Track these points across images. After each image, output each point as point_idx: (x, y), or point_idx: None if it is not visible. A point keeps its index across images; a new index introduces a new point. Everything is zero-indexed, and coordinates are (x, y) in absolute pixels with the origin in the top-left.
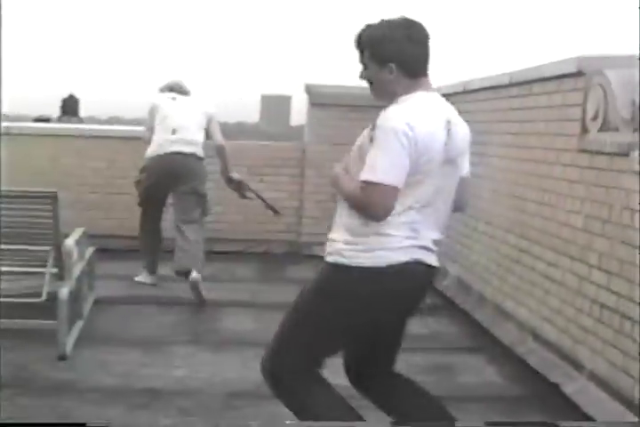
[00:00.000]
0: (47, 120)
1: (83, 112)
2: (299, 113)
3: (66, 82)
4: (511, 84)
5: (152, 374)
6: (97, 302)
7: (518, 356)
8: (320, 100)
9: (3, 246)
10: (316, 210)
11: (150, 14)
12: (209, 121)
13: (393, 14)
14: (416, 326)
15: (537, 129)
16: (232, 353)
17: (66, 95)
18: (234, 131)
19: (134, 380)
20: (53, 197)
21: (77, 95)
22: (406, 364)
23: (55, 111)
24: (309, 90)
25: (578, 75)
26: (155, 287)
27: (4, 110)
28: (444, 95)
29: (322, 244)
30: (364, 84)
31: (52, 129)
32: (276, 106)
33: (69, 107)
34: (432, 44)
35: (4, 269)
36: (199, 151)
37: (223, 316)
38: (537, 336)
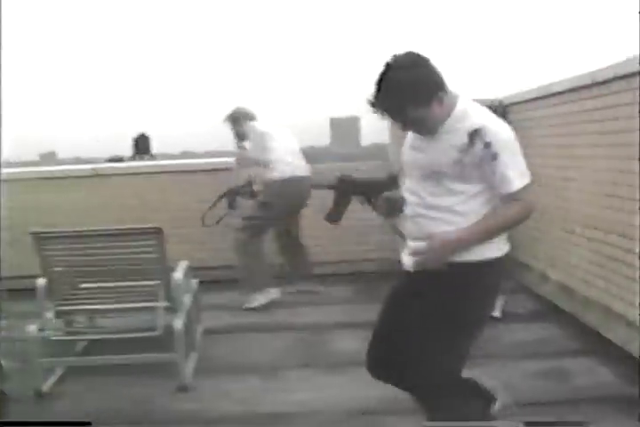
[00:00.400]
0: (120, 160)
1: (154, 149)
2: (369, 133)
3: (133, 120)
4: (593, 84)
5: (273, 398)
6: (205, 332)
7: (631, 355)
8: None
9: (113, 284)
10: None
11: (214, 42)
12: None
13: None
14: (522, 332)
15: (627, 126)
16: (346, 374)
17: (136, 134)
18: (307, 155)
19: (257, 405)
20: (159, 233)
21: (148, 133)
22: (519, 370)
23: (126, 151)
24: None
25: None
26: (257, 314)
27: (79, 154)
28: (523, 102)
29: None
30: None
31: (137, 167)
32: (345, 127)
33: (142, 145)
34: (502, 50)
35: (117, 306)
36: None
37: (330, 338)
38: None
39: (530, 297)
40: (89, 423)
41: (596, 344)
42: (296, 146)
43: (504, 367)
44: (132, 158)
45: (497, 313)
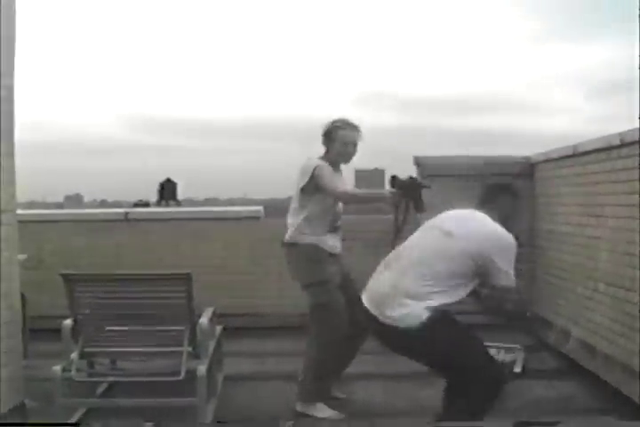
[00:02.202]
0: (147, 204)
1: (179, 195)
2: None
3: (159, 166)
4: (623, 145)
5: None
6: (226, 378)
7: None
8: (430, 171)
9: (139, 327)
10: None
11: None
12: None
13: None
14: (543, 389)
15: None
16: (369, 424)
17: (163, 180)
18: None
19: None
20: (188, 279)
21: (174, 178)
22: None
23: (152, 196)
24: (419, 162)
25: None
26: (279, 362)
27: (104, 197)
28: (553, 159)
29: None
30: (468, 153)
31: (168, 213)
32: (370, 180)
33: (168, 190)
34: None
35: (141, 349)
36: None
37: (354, 389)
38: None
39: (551, 354)
40: (77, 424)
41: (618, 403)
42: None
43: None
44: (158, 203)
45: (518, 369)
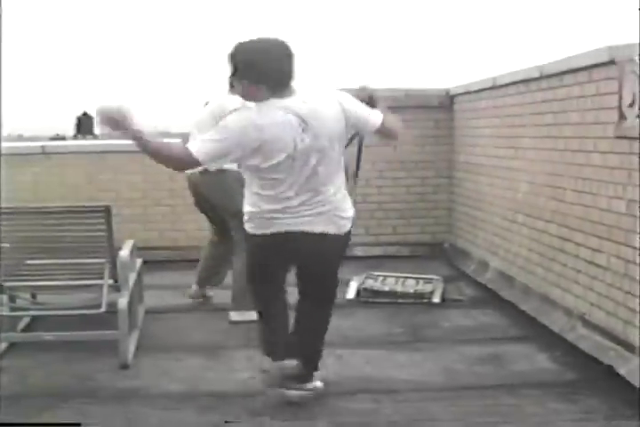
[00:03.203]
0: (63, 139)
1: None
2: None
3: (75, 99)
4: (542, 77)
5: (215, 377)
6: (147, 311)
7: (569, 342)
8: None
9: (59, 261)
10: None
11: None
12: None
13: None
14: (462, 318)
15: (571, 119)
16: None
17: (80, 113)
18: None
19: (199, 384)
20: (107, 211)
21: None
22: (460, 355)
23: (68, 130)
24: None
25: (610, 64)
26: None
27: (20, 131)
28: (472, 92)
29: (360, 244)
30: (389, 85)
31: (86, 146)
32: None
33: (85, 125)
34: (461, 39)
35: (61, 282)
36: None
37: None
38: (586, 322)
39: (469, 284)
40: (78, 424)
41: (535, 331)
42: None
43: (443, 351)
44: (75, 138)
45: (437, 299)
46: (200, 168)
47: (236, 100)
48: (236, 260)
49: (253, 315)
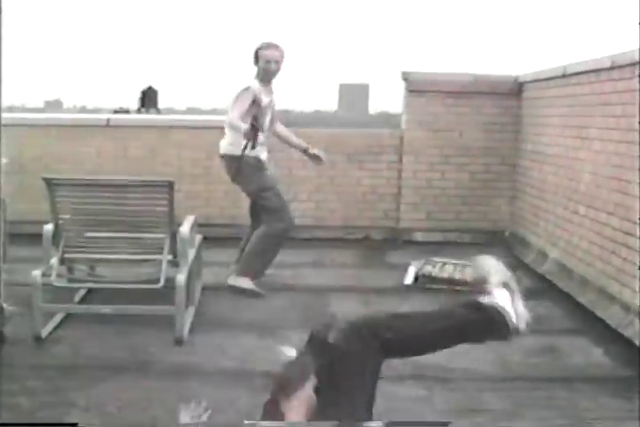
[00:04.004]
0: (127, 112)
1: (160, 104)
2: (377, 101)
3: (141, 75)
4: (613, 67)
5: (267, 357)
6: (205, 288)
7: (625, 337)
8: (417, 86)
9: (119, 234)
10: (414, 196)
11: (226, 3)
12: None
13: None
14: None
15: None
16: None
17: (145, 87)
18: (313, 119)
19: (252, 363)
20: (170, 186)
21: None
22: (516, 346)
23: (132, 104)
24: (406, 77)
25: None
26: None
27: (84, 103)
28: (542, 80)
29: (420, 229)
30: (458, 70)
31: (151, 120)
32: (354, 94)
33: (149, 98)
34: (533, 26)
35: (120, 256)
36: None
37: (331, 300)
38: None
39: (527, 274)
40: (75, 424)
41: (591, 325)
42: None
43: (498, 342)
44: (139, 111)
45: None
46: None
47: None
48: (262, 227)
49: (249, 284)
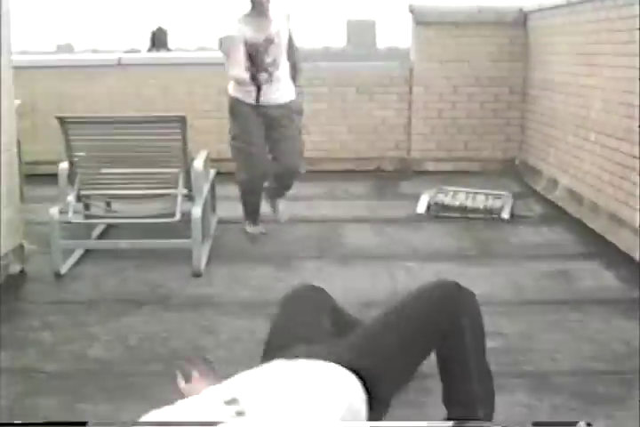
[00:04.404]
0: (138, 52)
1: (170, 44)
2: (384, 37)
3: (150, 16)
4: None
5: (286, 287)
6: (220, 222)
7: (636, 261)
8: (424, 18)
9: (134, 170)
10: (425, 126)
11: None
12: None
13: None
14: (530, 234)
15: None
16: (359, 266)
17: (154, 28)
18: (322, 55)
19: (269, 293)
20: (182, 121)
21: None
22: (527, 270)
23: (143, 45)
24: (413, 9)
25: None
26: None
27: (95, 46)
28: (546, 9)
29: (431, 159)
30: (463, 2)
31: (160, 58)
32: (361, 30)
33: (159, 39)
34: None
35: (136, 191)
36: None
37: (345, 231)
38: None
39: (539, 201)
40: (85, 423)
41: (601, 249)
42: None
43: (511, 266)
44: (149, 52)
45: (506, 215)
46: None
47: None
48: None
49: (250, 229)
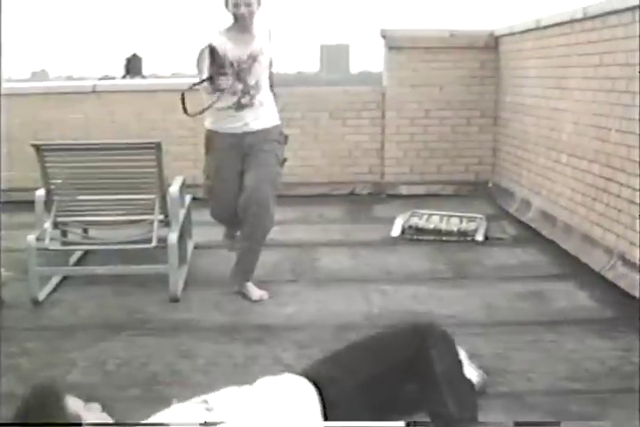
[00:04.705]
0: (112, 80)
1: (144, 71)
2: (358, 61)
3: (125, 43)
4: (586, 18)
5: (262, 311)
6: (196, 247)
7: (609, 280)
8: (396, 43)
9: (110, 197)
10: (398, 150)
11: None
12: None
13: None
14: (505, 256)
15: (618, 60)
16: (334, 289)
17: (129, 55)
18: (295, 80)
19: (246, 317)
20: (158, 148)
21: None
22: (501, 291)
23: (117, 72)
24: (385, 34)
25: None
26: None
27: (70, 73)
28: (517, 33)
29: (405, 183)
30: (435, 27)
31: (136, 85)
32: (335, 54)
33: (133, 66)
34: None
35: (112, 218)
36: None
37: (320, 255)
38: (626, 261)
39: (512, 223)
40: (79, 424)
41: (575, 270)
42: None
43: (486, 288)
44: (124, 79)
45: (479, 237)
46: None
47: None
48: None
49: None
